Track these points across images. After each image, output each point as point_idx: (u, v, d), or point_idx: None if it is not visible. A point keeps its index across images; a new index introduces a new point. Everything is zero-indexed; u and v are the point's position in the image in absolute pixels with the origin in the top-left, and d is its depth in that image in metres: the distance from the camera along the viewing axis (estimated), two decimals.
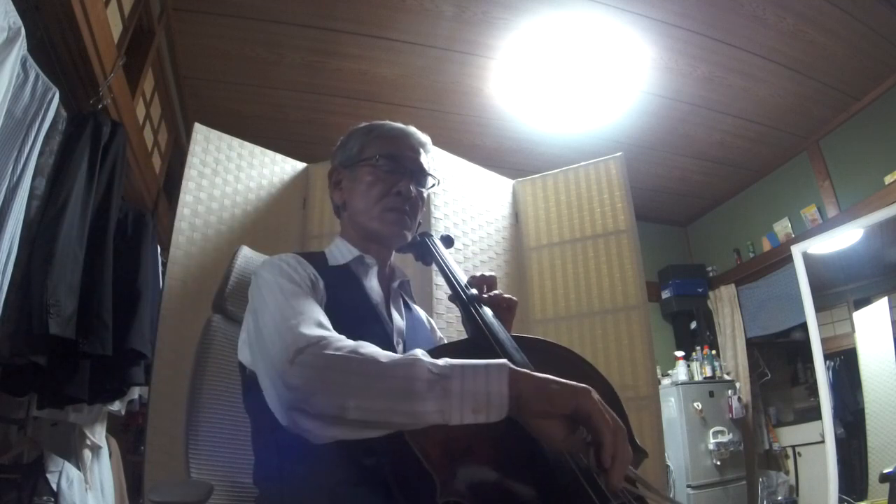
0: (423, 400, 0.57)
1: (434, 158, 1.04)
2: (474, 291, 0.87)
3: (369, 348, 0.62)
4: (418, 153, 0.98)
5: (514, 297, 0.92)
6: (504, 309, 0.88)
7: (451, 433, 0.58)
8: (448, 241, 1.04)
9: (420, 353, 0.62)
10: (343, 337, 0.64)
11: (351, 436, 0.58)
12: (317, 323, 0.66)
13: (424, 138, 1.01)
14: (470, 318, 0.81)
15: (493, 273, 0.94)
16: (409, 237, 0.98)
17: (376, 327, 0.86)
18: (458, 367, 0.59)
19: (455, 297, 0.88)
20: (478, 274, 0.93)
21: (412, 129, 1.01)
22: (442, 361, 0.60)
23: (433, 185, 1.01)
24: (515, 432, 0.59)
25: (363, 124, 1.02)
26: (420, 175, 0.97)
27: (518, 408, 0.58)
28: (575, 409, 0.57)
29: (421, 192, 0.97)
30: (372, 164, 0.94)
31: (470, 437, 0.59)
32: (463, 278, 0.91)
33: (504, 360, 0.61)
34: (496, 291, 0.91)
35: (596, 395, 0.59)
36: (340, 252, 0.95)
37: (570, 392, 0.58)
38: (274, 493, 0.77)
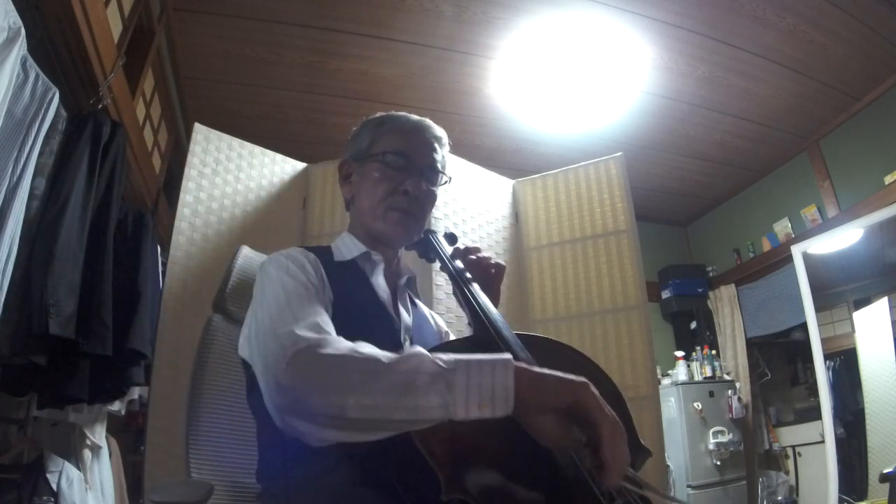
0: (426, 394, 0.55)
1: (448, 153, 1.01)
2: (469, 275, 0.89)
3: (368, 348, 0.60)
4: (432, 149, 0.94)
5: (501, 263, 0.96)
6: (493, 274, 0.93)
7: (456, 431, 0.57)
8: (452, 239, 1.02)
9: (420, 349, 0.60)
10: (341, 339, 0.62)
11: (349, 438, 0.56)
12: (315, 325, 0.65)
13: (440, 132, 0.97)
14: (475, 315, 0.80)
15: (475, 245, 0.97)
16: (414, 237, 0.96)
17: (385, 324, 0.85)
18: (464, 362, 0.58)
19: (459, 294, 0.87)
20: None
21: (427, 122, 0.97)
22: (446, 356, 0.59)
23: (445, 182, 0.98)
24: (520, 430, 0.59)
25: (378, 115, 0.99)
26: (431, 173, 0.93)
27: (517, 402, 0.57)
28: (573, 403, 0.57)
29: (431, 191, 0.94)
30: (381, 160, 0.91)
31: (475, 435, 0.59)
32: (467, 275, 0.90)
33: (508, 355, 0.60)
34: (485, 255, 0.95)
35: (594, 390, 0.58)
36: (347, 247, 0.93)
37: (568, 386, 0.58)
38: (278, 490, 0.77)
